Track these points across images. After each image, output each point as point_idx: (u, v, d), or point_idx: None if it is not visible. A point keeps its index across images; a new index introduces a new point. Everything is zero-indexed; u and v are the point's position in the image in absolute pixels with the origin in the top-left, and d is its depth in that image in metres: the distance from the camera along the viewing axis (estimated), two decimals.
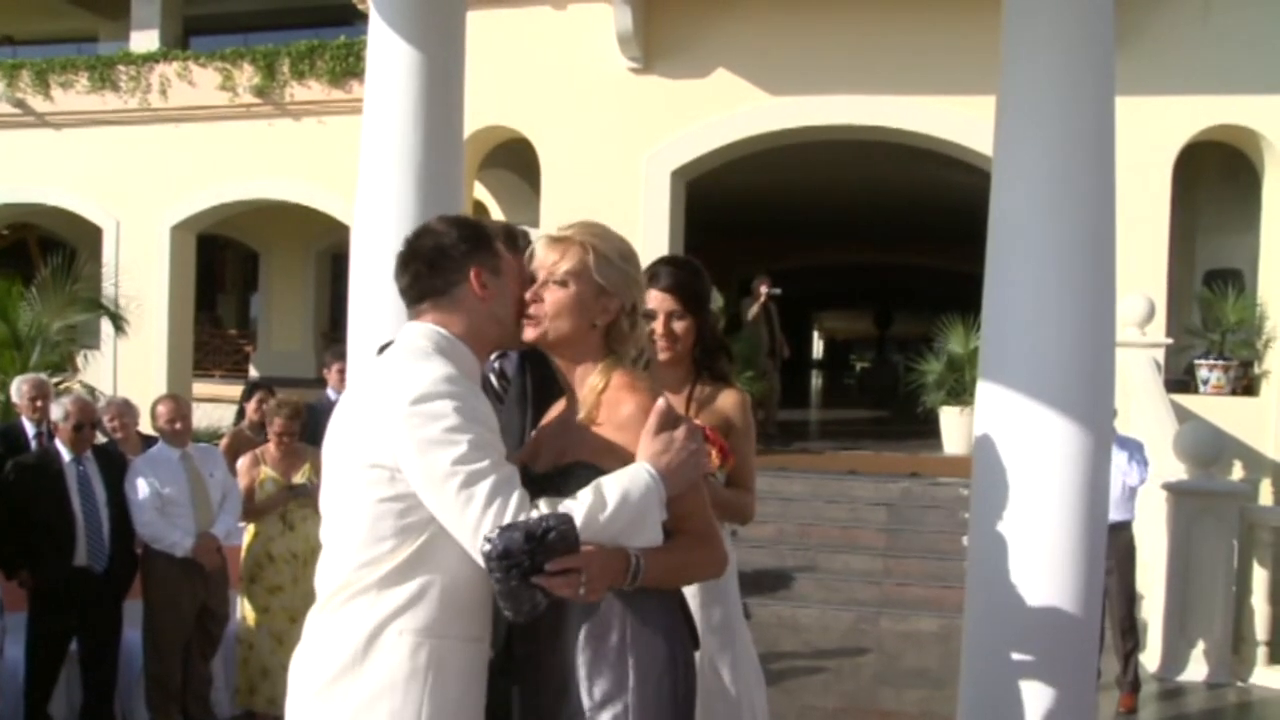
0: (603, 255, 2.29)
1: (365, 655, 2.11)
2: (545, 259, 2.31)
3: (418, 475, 2.07)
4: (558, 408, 2.54)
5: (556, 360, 2.43)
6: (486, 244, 2.36)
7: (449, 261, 2.31)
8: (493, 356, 3.23)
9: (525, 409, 3.24)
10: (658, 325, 3.18)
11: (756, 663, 3.38)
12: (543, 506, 2.06)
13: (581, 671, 2.17)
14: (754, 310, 12.70)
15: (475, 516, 2.02)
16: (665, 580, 2.20)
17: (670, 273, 3.25)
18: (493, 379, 3.24)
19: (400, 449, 2.08)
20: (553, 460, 2.32)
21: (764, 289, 12.73)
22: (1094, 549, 3.57)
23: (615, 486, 2.08)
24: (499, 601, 2.02)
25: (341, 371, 7.41)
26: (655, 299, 3.19)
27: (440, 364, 2.16)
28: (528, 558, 1.96)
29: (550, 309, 2.29)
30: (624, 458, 2.17)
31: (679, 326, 3.20)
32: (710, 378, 3.28)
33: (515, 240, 2.54)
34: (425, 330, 2.29)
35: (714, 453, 3.04)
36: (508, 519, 2.01)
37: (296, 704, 2.20)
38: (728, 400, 3.22)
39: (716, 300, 3.84)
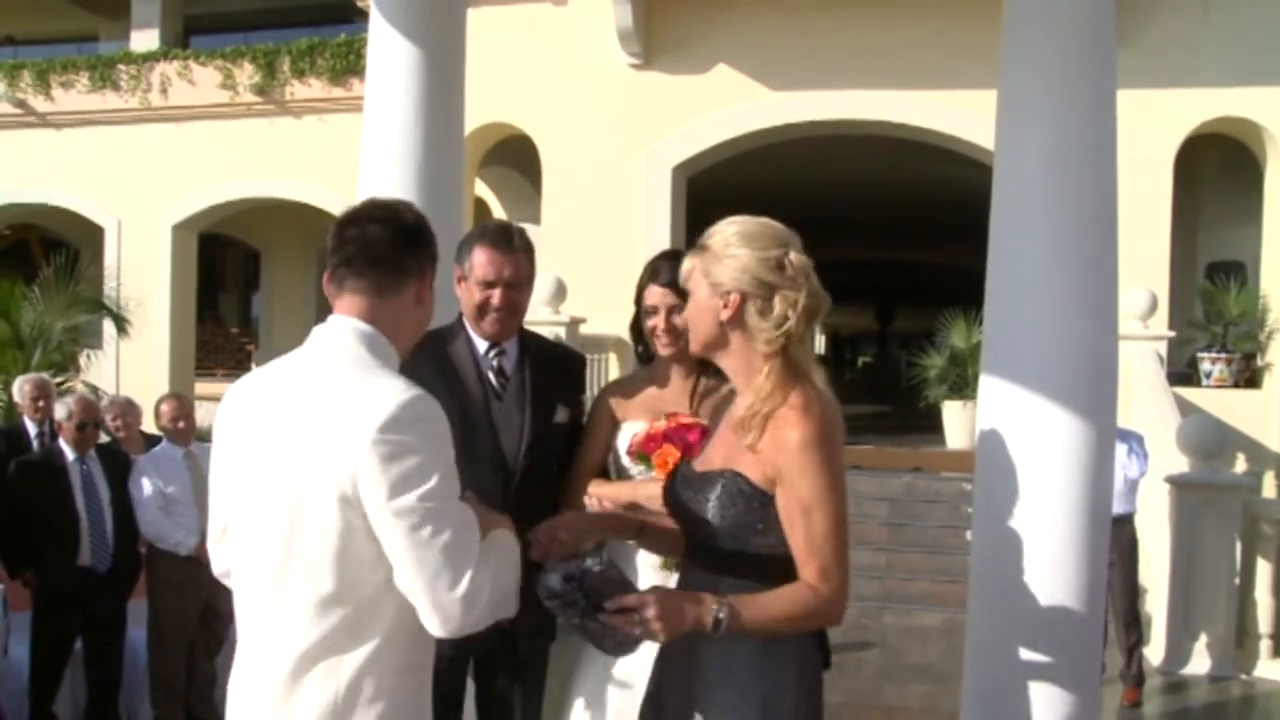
0: (708, 253, 2.26)
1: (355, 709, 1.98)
2: (681, 273, 2.36)
3: (380, 509, 1.91)
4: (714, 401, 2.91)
5: (721, 364, 2.35)
6: (434, 251, 2.24)
7: (409, 255, 2.16)
8: (491, 353, 3.23)
9: (524, 406, 3.23)
10: (659, 320, 3.17)
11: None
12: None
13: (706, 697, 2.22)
14: None
15: (434, 562, 1.91)
16: (767, 633, 2.11)
17: (671, 267, 3.09)
18: (491, 376, 3.22)
19: (364, 478, 1.91)
20: (715, 463, 2.29)
21: None
22: (1097, 542, 3.57)
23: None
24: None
25: None
26: (656, 294, 3.17)
27: (391, 379, 2.00)
28: (581, 596, 1.97)
29: (681, 324, 2.53)
30: (771, 478, 2.15)
31: (680, 321, 3.10)
32: (714, 372, 3.22)
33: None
34: (359, 332, 2.10)
35: (668, 454, 3.04)
36: (467, 567, 1.92)
37: None
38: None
39: None
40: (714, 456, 2.31)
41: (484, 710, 3.32)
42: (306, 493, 1.96)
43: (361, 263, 2.11)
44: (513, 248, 3.13)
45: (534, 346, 3.32)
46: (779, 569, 2.14)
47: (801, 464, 2.10)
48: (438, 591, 1.91)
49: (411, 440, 1.92)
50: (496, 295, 3.10)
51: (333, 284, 2.15)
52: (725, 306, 2.22)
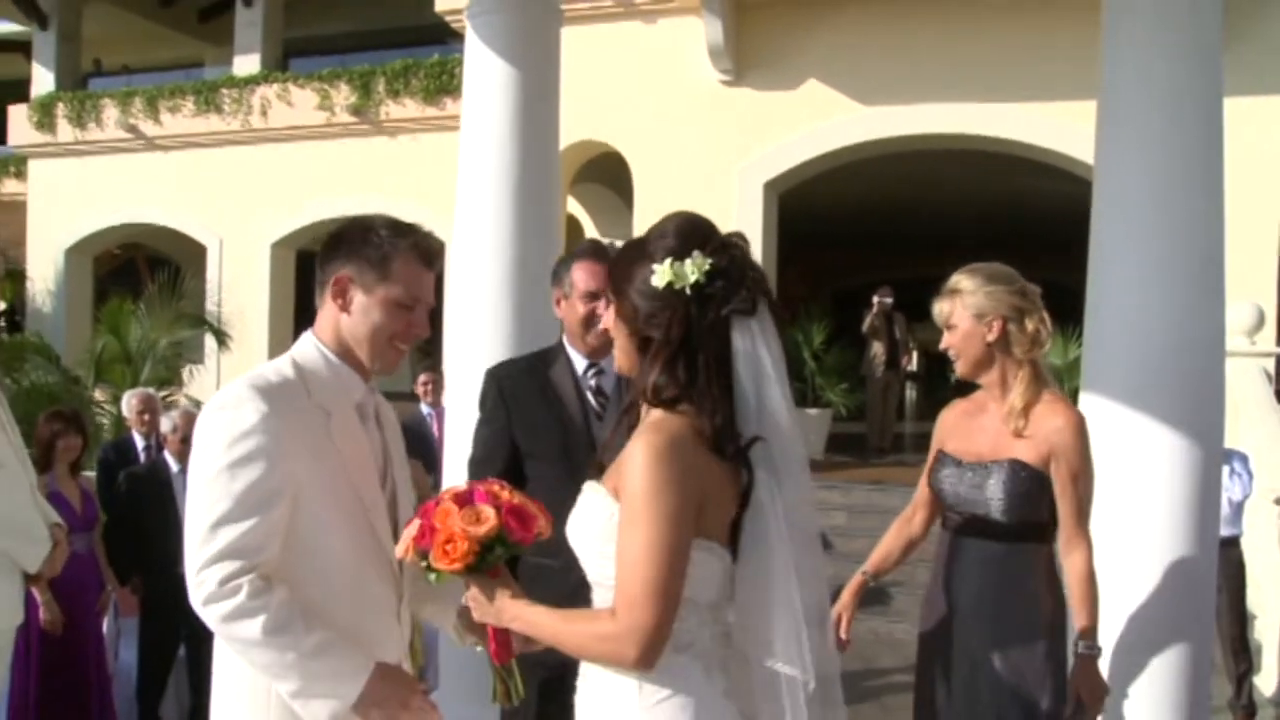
0: (968, 291, 2.99)
1: None
2: (939, 315, 3.07)
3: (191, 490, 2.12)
4: (964, 408, 3.18)
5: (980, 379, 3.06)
6: (359, 252, 2.22)
7: (323, 264, 2.26)
8: (589, 373, 3.29)
9: (621, 424, 3.26)
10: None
11: None
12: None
13: None
14: (868, 320, 12.59)
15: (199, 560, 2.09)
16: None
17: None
18: (590, 396, 3.27)
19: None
20: (985, 454, 3.00)
21: (875, 299, 12.62)
22: (1204, 567, 3.49)
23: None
24: None
25: (427, 384, 7.50)
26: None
27: (253, 411, 2.09)
28: None
29: (954, 351, 3.05)
30: (1045, 457, 2.90)
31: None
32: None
33: (430, 259, 2.32)
34: (302, 341, 2.29)
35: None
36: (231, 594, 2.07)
37: None
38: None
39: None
40: (980, 450, 3.03)
41: None
42: None
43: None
44: (610, 259, 3.19)
45: None
46: (1040, 532, 2.98)
47: (1073, 443, 2.91)
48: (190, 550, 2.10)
49: (202, 430, 2.12)
50: (601, 306, 3.14)
51: None
52: (990, 330, 2.97)
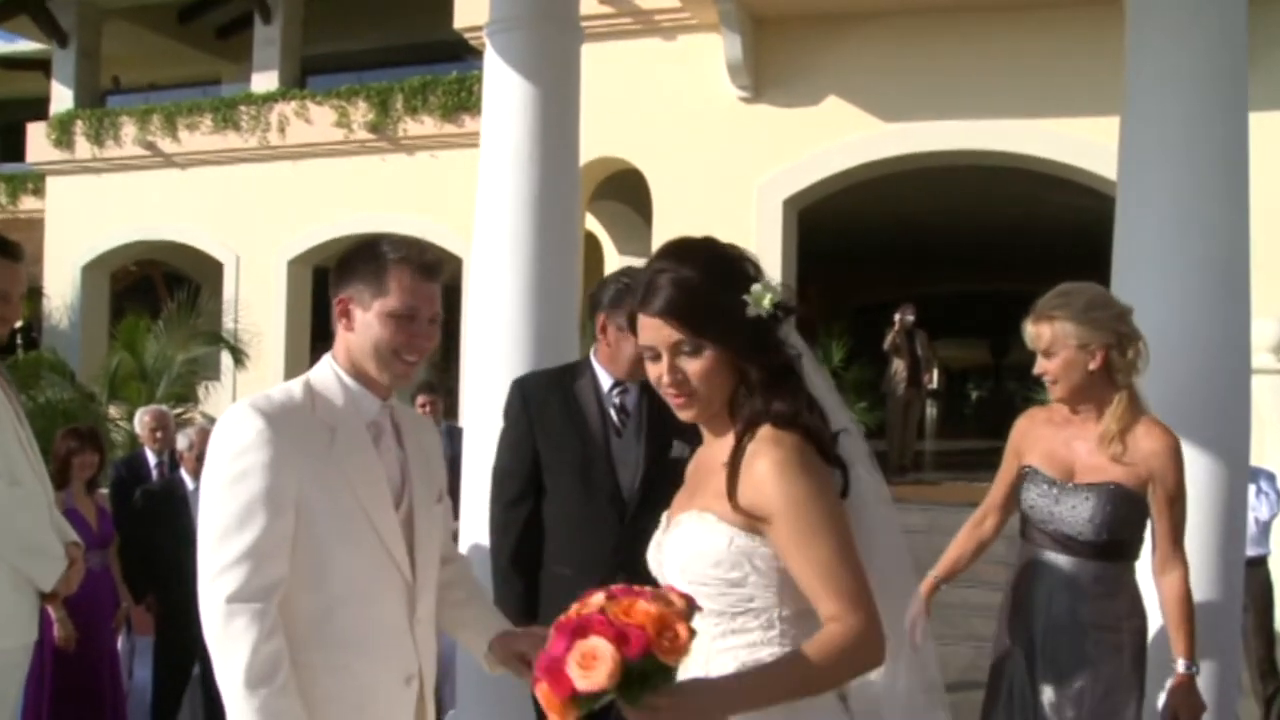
0: (1068, 318, 3.01)
1: None
2: (1031, 340, 3.11)
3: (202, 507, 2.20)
4: (1046, 417, 3.29)
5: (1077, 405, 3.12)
6: (357, 272, 2.30)
7: (333, 283, 2.35)
8: (614, 390, 3.36)
9: (641, 441, 3.33)
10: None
11: None
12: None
13: None
14: (889, 338, 12.57)
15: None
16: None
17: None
18: (613, 413, 3.35)
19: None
20: (1080, 474, 3.09)
21: (897, 316, 12.59)
22: (1230, 588, 3.47)
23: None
24: None
25: (424, 405, 7.41)
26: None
27: (250, 428, 2.17)
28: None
29: (1051, 377, 3.08)
30: (1144, 479, 2.98)
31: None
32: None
33: (426, 270, 2.31)
34: (320, 364, 2.37)
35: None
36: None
37: None
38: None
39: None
40: (1074, 468, 3.10)
41: None
42: None
43: None
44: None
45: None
46: (1128, 550, 3.10)
47: (1171, 466, 2.98)
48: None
49: (208, 449, 2.24)
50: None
51: None
52: (1093, 359, 3.00)
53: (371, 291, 2.26)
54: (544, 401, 3.39)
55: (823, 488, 1.87)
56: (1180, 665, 3.04)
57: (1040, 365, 3.11)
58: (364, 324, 2.28)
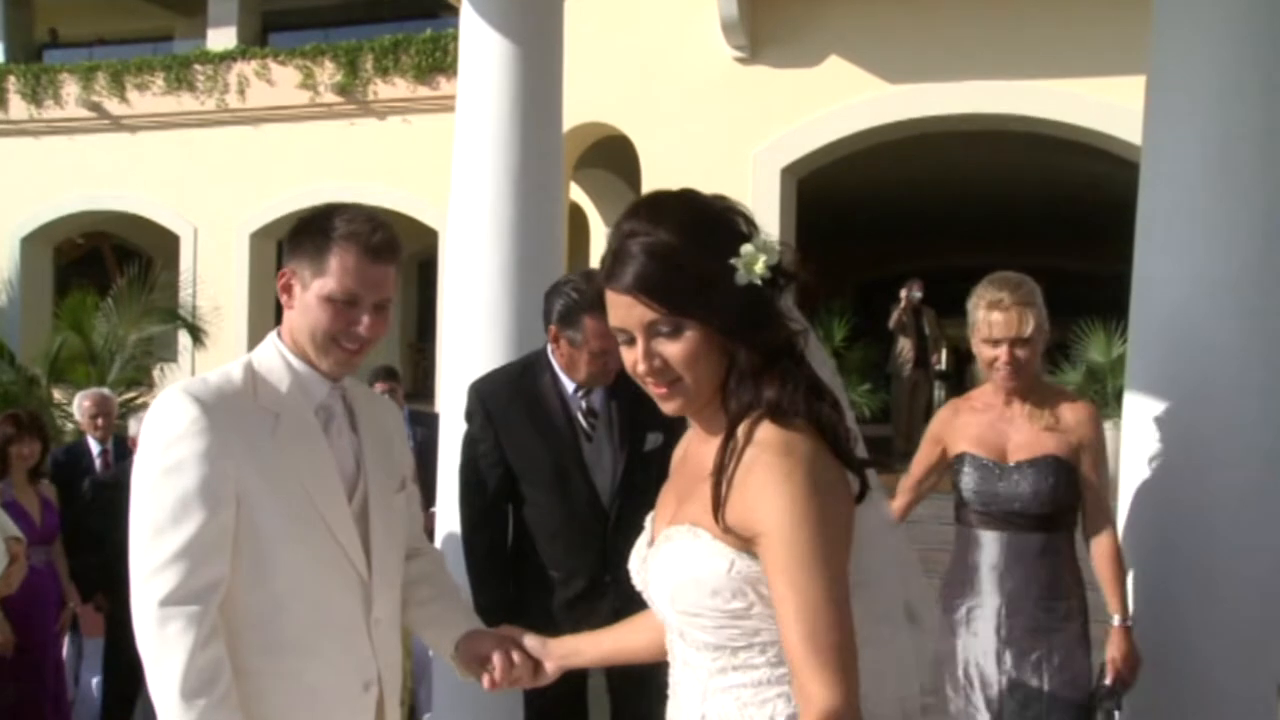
0: (1035, 304, 3.32)
1: None
2: (1004, 328, 3.31)
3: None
4: (967, 406, 3.60)
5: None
6: (302, 244, 2.23)
7: (285, 251, 2.30)
8: (579, 392, 3.38)
9: (613, 442, 3.38)
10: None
11: None
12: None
13: None
14: (895, 315, 12.53)
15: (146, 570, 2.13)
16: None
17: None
18: (580, 416, 3.38)
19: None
20: (1017, 453, 3.40)
21: (904, 293, 12.54)
22: (1273, 580, 3.43)
23: None
24: None
25: (383, 393, 7.35)
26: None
27: (183, 415, 2.12)
28: None
29: (1023, 364, 3.33)
30: (1075, 447, 3.35)
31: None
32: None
33: (375, 251, 2.22)
34: (264, 343, 2.33)
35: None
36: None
37: None
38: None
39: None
40: (1010, 448, 3.41)
41: None
42: None
43: None
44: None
45: (618, 382, 3.38)
46: (1067, 519, 3.42)
47: (1096, 432, 3.39)
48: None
49: (140, 437, 2.21)
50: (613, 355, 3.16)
51: None
52: (1043, 342, 3.39)
53: (312, 270, 2.19)
54: (506, 409, 3.40)
55: (833, 515, 1.63)
56: (1116, 619, 3.36)
57: (1006, 353, 3.33)
58: (303, 304, 2.22)
